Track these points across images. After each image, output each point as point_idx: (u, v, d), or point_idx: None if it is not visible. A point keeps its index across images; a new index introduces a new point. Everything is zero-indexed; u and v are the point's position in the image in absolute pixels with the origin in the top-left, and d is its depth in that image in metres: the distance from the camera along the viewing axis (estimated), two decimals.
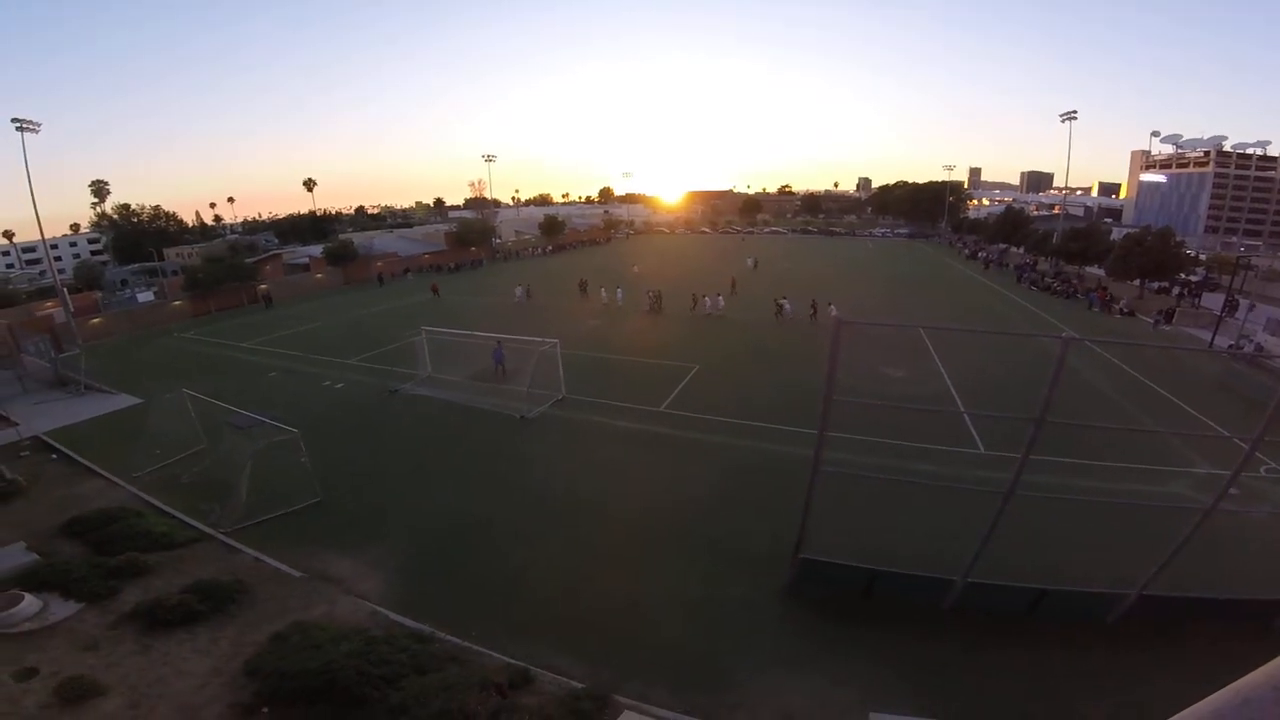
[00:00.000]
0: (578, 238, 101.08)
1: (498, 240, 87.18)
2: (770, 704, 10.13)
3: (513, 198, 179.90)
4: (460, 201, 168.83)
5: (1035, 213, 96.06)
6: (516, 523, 15.88)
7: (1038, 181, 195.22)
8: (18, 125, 37.07)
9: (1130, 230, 56.72)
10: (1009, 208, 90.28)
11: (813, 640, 11.62)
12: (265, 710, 9.95)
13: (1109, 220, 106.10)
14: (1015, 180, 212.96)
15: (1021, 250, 68.01)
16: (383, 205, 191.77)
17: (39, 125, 38.23)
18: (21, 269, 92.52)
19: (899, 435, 19.04)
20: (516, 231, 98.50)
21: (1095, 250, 51.32)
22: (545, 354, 24.97)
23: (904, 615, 12.02)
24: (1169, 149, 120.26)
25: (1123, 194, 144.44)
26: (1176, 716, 1.85)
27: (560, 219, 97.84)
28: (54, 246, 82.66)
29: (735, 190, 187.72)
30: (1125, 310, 41.04)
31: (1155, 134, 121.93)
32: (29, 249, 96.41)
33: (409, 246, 77.02)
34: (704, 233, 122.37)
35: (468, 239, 78.62)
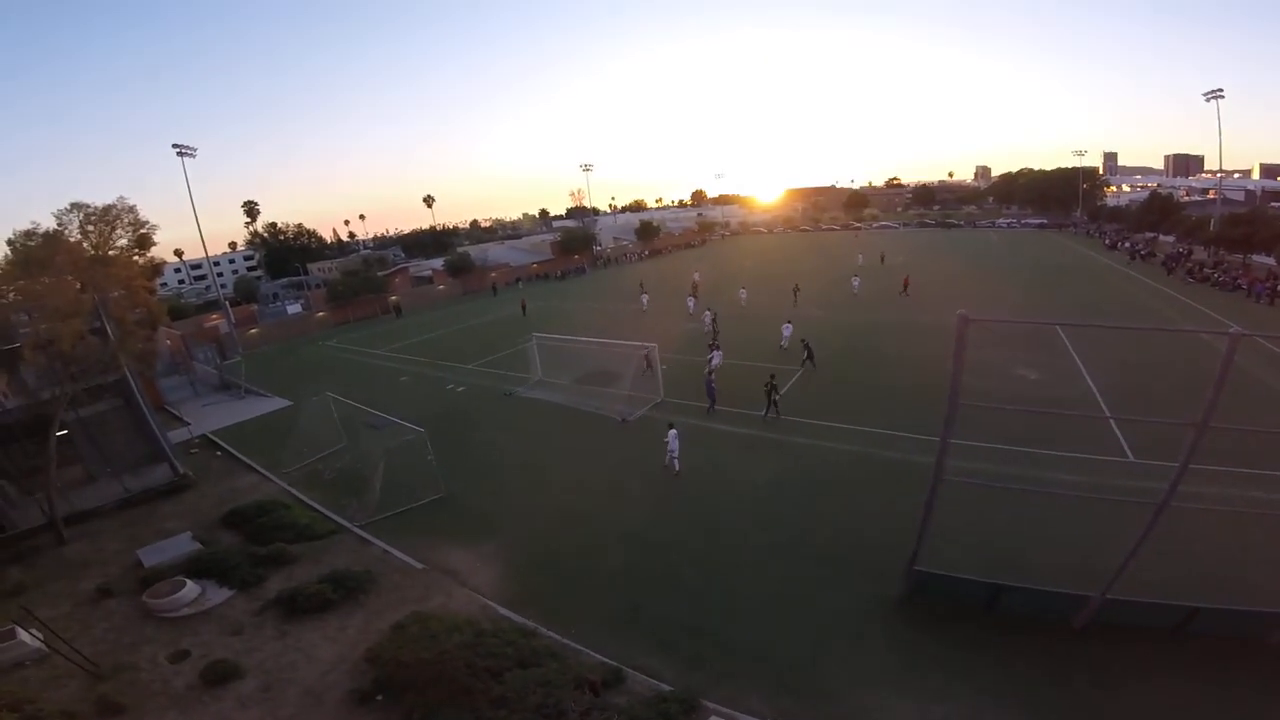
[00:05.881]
0: (673, 241, 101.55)
1: (598, 247, 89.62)
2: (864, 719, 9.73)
3: (610, 205, 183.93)
4: (562, 211, 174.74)
5: (1186, 198, 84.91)
6: (619, 522, 16.31)
7: (1185, 165, 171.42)
8: (178, 150, 41.63)
9: None
10: (1154, 193, 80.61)
11: (917, 656, 11.01)
12: (379, 698, 10.76)
13: (1277, 204, 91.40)
14: (1158, 164, 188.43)
15: (1173, 239, 60.36)
16: (494, 219, 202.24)
17: (195, 150, 42.66)
18: (190, 285, 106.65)
19: (1032, 442, 17.74)
20: (614, 238, 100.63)
21: (1262, 237, 44.59)
22: (645, 358, 25.55)
23: (1027, 632, 11.11)
24: None
25: None
26: None
27: (655, 224, 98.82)
28: (215, 264, 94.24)
29: (838, 185, 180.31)
30: None
31: None
32: (195, 266, 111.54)
33: (519, 256, 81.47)
34: (805, 231, 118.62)
35: (571, 247, 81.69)
